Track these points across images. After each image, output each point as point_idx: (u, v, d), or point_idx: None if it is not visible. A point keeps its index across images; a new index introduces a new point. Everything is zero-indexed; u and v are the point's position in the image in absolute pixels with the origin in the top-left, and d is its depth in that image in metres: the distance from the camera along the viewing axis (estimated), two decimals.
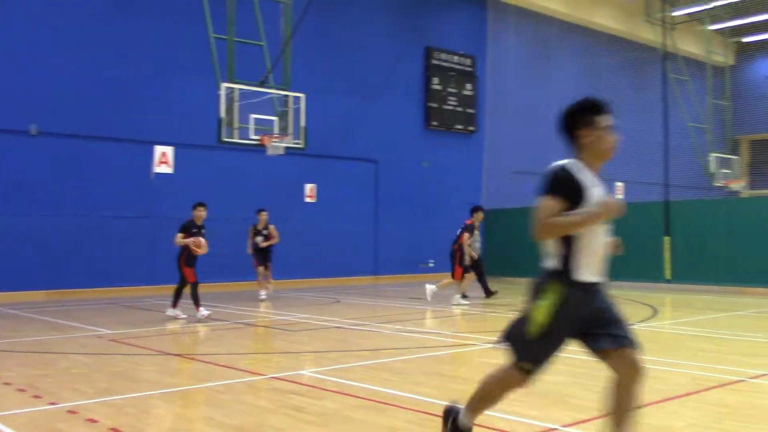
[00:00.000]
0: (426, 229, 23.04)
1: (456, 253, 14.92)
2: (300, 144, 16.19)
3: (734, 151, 31.55)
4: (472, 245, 15.25)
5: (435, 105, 23.40)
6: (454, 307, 14.53)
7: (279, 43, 16.87)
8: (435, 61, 23.44)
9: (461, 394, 6.43)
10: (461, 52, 24.17)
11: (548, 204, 3.81)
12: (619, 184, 28.02)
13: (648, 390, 6.69)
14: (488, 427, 5.39)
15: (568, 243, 3.90)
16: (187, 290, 12.23)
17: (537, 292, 4.00)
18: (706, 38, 29.24)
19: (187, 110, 18.23)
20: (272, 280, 16.65)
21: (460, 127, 23.94)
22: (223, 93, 15.10)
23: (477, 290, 16.41)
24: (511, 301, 15.42)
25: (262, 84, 16.13)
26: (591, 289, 4.04)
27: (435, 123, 23.37)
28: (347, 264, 21.55)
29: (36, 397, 6.42)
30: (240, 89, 15.32)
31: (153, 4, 18.26)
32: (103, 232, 17.48)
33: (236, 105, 15.19)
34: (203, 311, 12.15)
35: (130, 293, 17.28)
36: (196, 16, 16.73)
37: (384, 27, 22.60)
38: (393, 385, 6.81)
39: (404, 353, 8.80)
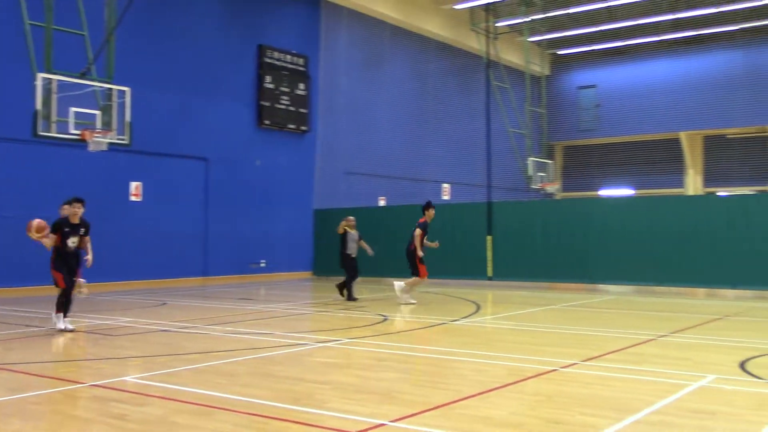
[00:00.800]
0: (258, 229, 22.79)
1: (414, 252, 14.67)
2: (124, 140, 15.48)
3: (550, 155, 33.72)
4: (349, 246, 15.33)
5: (267, 104, 23.20)
6: (402, 306, 14.42)
7: (103, 34, 16.04)
8: (268, 60, 23.24)
9: (292, 395, 6.42)
10: (294, 52, 24.13)
11: None
12: (446, 185, 29.15)
13: (469, 382, 7.01)
14: (318, 426, 5.41)
15: None
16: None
17: None
18: (525, 49, 31.03)
19: None
20: (85, 283, 15.56)
21: (292, 126, 23.89)
22: (39, 84, 14.13)
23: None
24: (343, 301, 15.58)
25: (83, 76, 15.25)
26: None
27: (267, 122, 23.17)
28: (175, 265, 20.86)
29: None
30: (59, 80, 14.40)
31: None
32: None
33: (54, 97, 14.26)
34: (63, 323, 10.67)
35: None
36: (10, 1, 15.56)
37: (216, 22, 22.11)
38: (222, 388, 6.67)
39: (234, 355, 8.65)
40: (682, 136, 31.32)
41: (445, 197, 29.15)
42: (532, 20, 29.64)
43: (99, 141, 14.85)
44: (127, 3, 15.62)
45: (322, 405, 6.06)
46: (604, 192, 33.68)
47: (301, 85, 24.27)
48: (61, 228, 10.69)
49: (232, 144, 22.35)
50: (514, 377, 7.17)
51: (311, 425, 5.43)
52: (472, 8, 29.11)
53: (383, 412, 5.80)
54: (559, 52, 34.11)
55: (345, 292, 15.56)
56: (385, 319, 12.19)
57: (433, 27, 28.91)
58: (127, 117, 15.45)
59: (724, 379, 7.11)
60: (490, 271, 20.49)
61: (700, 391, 6.59)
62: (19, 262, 16.46)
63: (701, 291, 17.70)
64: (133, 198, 19.77)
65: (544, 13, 28.96)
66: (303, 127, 24.21)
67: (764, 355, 8.52)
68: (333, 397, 6.39)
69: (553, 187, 31.66)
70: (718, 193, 27.94)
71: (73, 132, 14.63)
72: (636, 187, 32.90)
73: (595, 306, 14.76)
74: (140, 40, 19.61)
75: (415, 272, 14.75)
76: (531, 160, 29.99)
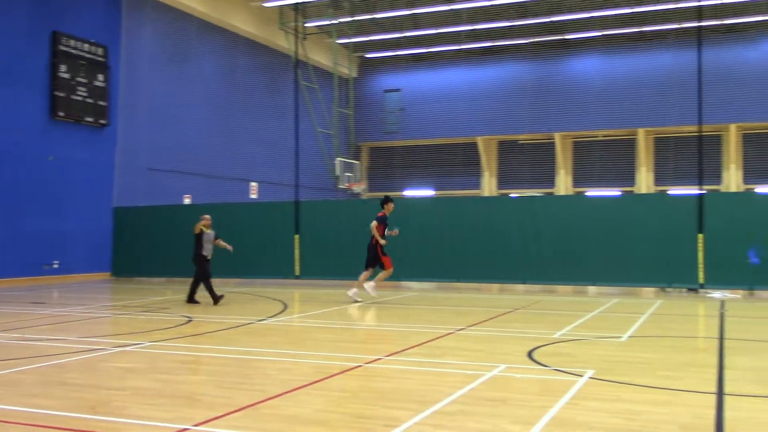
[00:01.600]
0: (52, 227, 21.27)
1: (376, 246, 14.71)
2: None
3: (356, 156, 34.41)
4: (204, 247, 14.56)
5: (62, 94, 21.72)
6: (352, 302, 14.55)
7: None
8: (63, 48, 21.76)
9: (87, 403, 6.07)
10: (93, 41, 22.78)
11: None
12: (254, 184, 28.85)
13: (275, 381, 6.99)
14: None
15: None
16: None
17: None
18: (333, 51, 31.43)
19: None
20: None
21: (90, 119, 22.55)
22: None
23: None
24: (145, 303, 14.95)
25: None
26: None
27: (62, 114, 21.69)
28: None
29: None
30: None
31: None
32: None
33: None
34: None
35: None
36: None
37: (4, 4, 20.36)
38: (4, 400, 6.17)
39: (21, 364, 8.03)
40: (479, 140, 33.18)
41: (253, 196, 28.86)
42: (340, 23, 30.09)
43: None
44: None
45: (120, 412, 5.79)
46: (407, 192, 34.90)
47: (100, 77, 22.97)
48: None
49: (22, 137, 20.69)
50: (320, 375, 7.24)
51: None
52: (281, 7, 29.05)
53: (186, 416, 5.64)
54: (367, 56, 34.91)
55: (194, 296, 14.59)
56: (189, 321, 11.86)
57: (241, 23, 28.51)
58: None
59: (514, 368, 7.63)
60: (297, 270, 20.55)
61: (493, 380, 7.02)
62: None
63: (495, 286, 18.85)
64: None
65: (352, 17, 29.51)
66: (102, 121, 22.93)
67: (549, 344, 9.23)
68: (132, 403, 6.11)
69: (360, 187, 32.35)
70: (510, 195, 29.91)
71: None
72: (437, 188, 34.41)
73: (399, 302, 15.26)
74: None
75: (381, 265, 14.85)
76: (338, 160, 30.43)
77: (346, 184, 30.86)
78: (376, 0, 29.08)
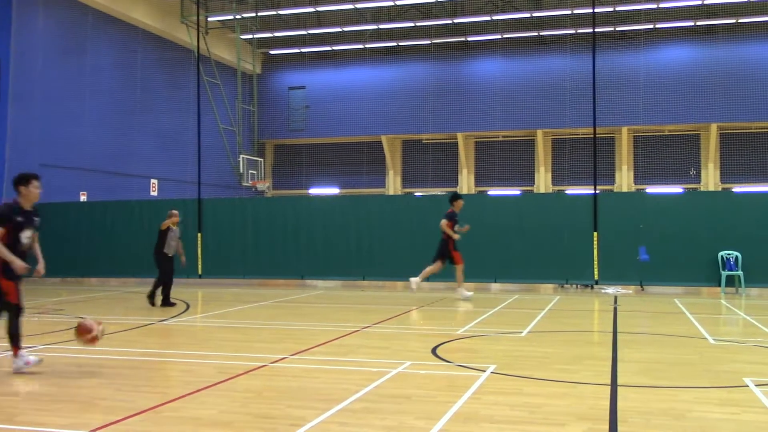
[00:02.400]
0: None
1: (448, 242, 14.87)
2: None
3: (261, 153, 34.03)
4: (168, 244, 13.78)
5: None
6: (461, 301, 14.53)
7: None
8: None
9: None
10: None
11: None
12: (154, 181, 28.10)
13: (177, 383, 6.84)
14: None
15: None
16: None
17: None
18: (237, 46, 30.96)
19: None
20: None
21: None
22: None
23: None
24: (37, 304, 14.32)
25: None
26: None
27: None
28: None
29: None
30: None
31: None
32: None
33: None
34: (27, 357, 7.35)
35: None
36: None
37: None
38: None
39: None
40: (383, 139, 33.42)
41: (154, 193, 28.09)
42: (243, 18, 29.68)
43: None
44: None
45: (12, 419, 5.53)
46: (313, 190, 34.79)
47: None
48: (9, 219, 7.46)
49: None
50: (224, 375, 7.13)
51: None
52: (182, 0, 28.38)
53: (83, 421, 5.44)
54: (271, 52, 34.56)
55: (155, 297, 13.77)
56: None
57: (140, 15, 27.68)
58: None
59: (419, 364, 7.73)
60: (200, 269, 20.15)
61: (398, 377, 7.09)
62: None
63: (400, 284, 19.03)
64: None
65: (255, 12, 29.16)
66: None
67: (452, 340, 9.40)
68: (25, 409, 5.86)
69: (264, 185, 32.01)
70: (415, 194, 30.27)
71: None
72: (342, 187, 34.45)
73: (304, 301, 15.20)
74: None
75: (452, 261, 14.98)
76: (242, 157, 30.02)
77: (250, 182, 30.47)
78: None
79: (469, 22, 30.07)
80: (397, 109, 32.77)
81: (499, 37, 30.76)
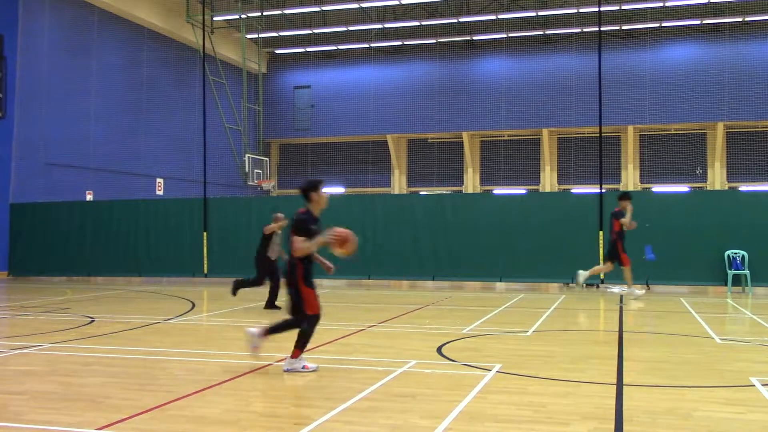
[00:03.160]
0: None
1: (616, 243, 14.84)
2: None
3: (266, 153, 34.06)
4: (272, 248, 13.31)
5: None
6: (632, 300, 14.66)
7: None
8: None
9: None
10: None
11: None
12: (160, 180, 28.16)
13: (182, 382, 6.85)
14: None
15: None
16: None
17: None
18: (242, 46, 30.99)
19: None
20: None
21: None
22: None
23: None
24: (44, 303, 14.36)
25: None
26: None
27: None
28: None
29: None
30: None
31: None
32: None
33: None
34: (305, 362, 7.40)
35: None
36: None
37: None
38: None
39: None
40: (389, 138, 33.42)
41: (159, 192, 28.15)
42: (249, 17, 29.71)
43: None
44: None
45: (18, 418, 5.55)
46: None
47: None
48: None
49: None
50: (229, 374, 7.14)
51: None
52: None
53: (89, 419, 5.46)
54: (276, 51, 34.59)
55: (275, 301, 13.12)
56: (92, 321, 11.47)
57: (146, 15, 27.74)
58: None
59: (424, 363, 7.73)
60: (205, 268, 20.19)
61: (404, 375, 7.09)
62: None
63: (405, 283, 19.04)
64: None
65: (261, 12, 29.18)
66: None
67: (458, 339, 9.40)
68: (32, 408, 5.87)
69: (269, 184, 32.05)
70: (420, 193, 30.27)
71: None
72: (347, 186, 34.47)
73: None
74: None
75: (620, 262, 14.91)
76: (248, 156, 30.05)
77: (256, 181, 30.51)
78: None
79: (475, 21, 30.05)
80: (402, 108, 32.78)
81: (504, 36, 30.73)
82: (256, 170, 30.40)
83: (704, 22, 28.58)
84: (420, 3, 28.58)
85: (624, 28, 29.40)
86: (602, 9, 20.67)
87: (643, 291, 15.51)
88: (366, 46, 32.90)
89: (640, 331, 10.48)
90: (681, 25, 29.12)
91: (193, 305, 14.00)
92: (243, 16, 29.39)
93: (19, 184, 22.34)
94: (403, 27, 31.09)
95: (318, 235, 7.23)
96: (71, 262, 20.98)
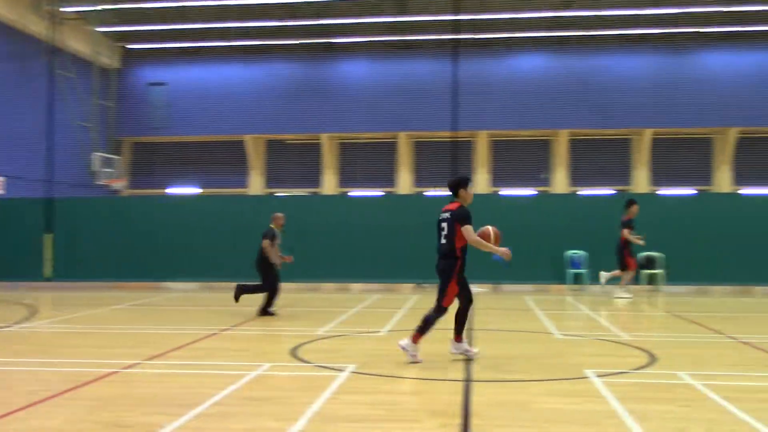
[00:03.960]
0: None
1: (624, 248, 15.05)
2: None
3: (117, 151, 32.68)
4: (273, 252, 12.39)
5: None
6: (618, 300, 15.10)
7: None
8: None
9: None
10: None
11: None
12: (1, 178, 26.39)
13: (19, 393, 6.47)
14: None
15: None
16: None
17: None
18: (93, 39, 29.59)
19: None
20: None
21: None
22: None
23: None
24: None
25: None
26: None
27: None
28: None
29: None
30: None
31: None
32: None
33: None
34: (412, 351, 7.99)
35: None
36: None
37: None
38: None
39: None
40: (247, 138, 32.95)
41: (1, 192, 26.35)
42: (102, 9, 28.41)
43: None
44: None
45: None
46: (172, 190, 33.80)
47: None
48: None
49: None
50: (71, 383, 6.81)
51: None
52: None
53: None
54: (130, 46, 33.25)
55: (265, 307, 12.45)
56: None
57: None
58: None
59: (278, 366, 7.70)
60: (48, 272, 19.12)
61: (257, 379, 7.03)
62: None
63: None
64: None
65: (114, 4, 27.99)
66: None
67: (312, 341, 9.43)
68: None
69: (120, 184, 30.80)
70: (277, 194, 30.05)
71: None
72: (203, 186, 33.67)
73: (161, 304, 14.75)
74: None
75: (625, 266, 15.16)
76: (97, 155, 28.74)
77: (106, 181, 29.19)
78: None
79: (335, 24, 30.22)
80: (261, 108, 32.43)
81: (364, 39, 31.10)
82: (105, 169, 29.11)
83: (552, 34, 30.17)
84: (281, 3, 28.40)
85: (479, 36, 30.52)
86: (458, 18, 21.41)
87: (632, 296, 15.53)
88: (226, 44, 32.31)
89: (488, 328, 10.92)
90: (531, 36, 30.59)
91: (33, 311, 13.22)
92: (95, 8, 28.07)
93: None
94: (264, 27, 30.78)
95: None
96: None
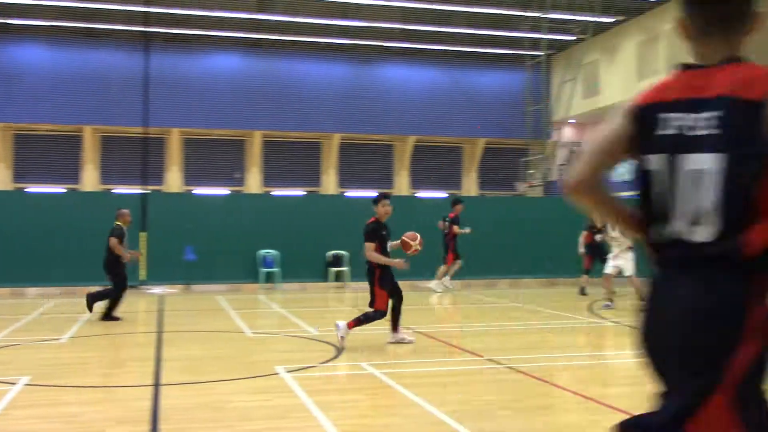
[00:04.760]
0: None
1: (452, 241, 16.38)
2: None
3: None
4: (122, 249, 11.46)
5: None
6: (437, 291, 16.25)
7: None
8: None
9: None
10: None
11: None
12: None
13: None
14: None
15: None
16: None
17: None
18: None
19: None
20: None
21: None
22: None
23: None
24: None
25: None
26: None
27: None
28: None
29: None
30: None
31: None
32: None
33: None
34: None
35: None
36: None
37: None
38: None
39: None
40: None
41: None
42: None
43: None
44: None
45: None
46: None
47: None
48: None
49: None
50: None
51: None
52: None
53: None
54: None
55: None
56: None
57: None
58: None
59: None
60: None
61: None
62: None
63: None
64: None
65: None
66: None
67: None
68: None
69: None
70: (26, 189, 26.52)
71: None
72: None
73: None
74: None
75: (446, 259, 16.68)
76: None
77: None
78: None
79: (11, 3, 27.43)
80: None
81: (45, 23, 28.63)
82: None
83: (247, 36, 30.38)
84: None
85: (172, 31, 29.69)
86: (149, 10, 20.65)
87: (440, 292, 16.59)
88: None
89: (178, 330, 10.70)
90: (225, 36, 30.50)
91: None
92: None
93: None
94: None
95: (387, 239, 8.82)
96: None
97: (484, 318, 12.70)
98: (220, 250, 17.54)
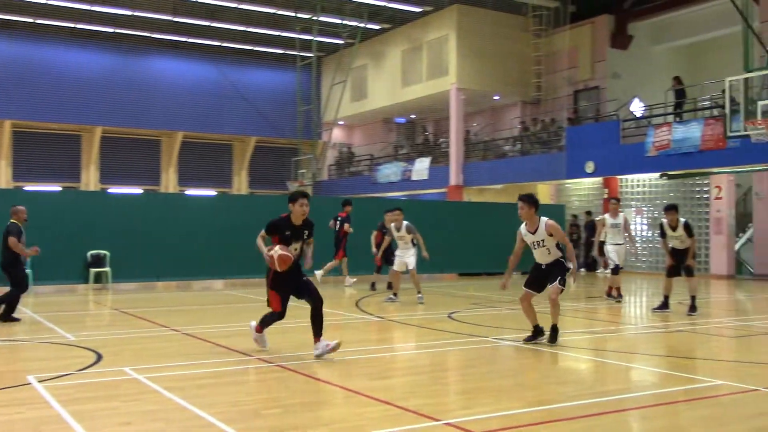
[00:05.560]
0: None
1: (343, 238, 17.51)
2: None
3: None
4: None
5: None
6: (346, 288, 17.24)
7: None
8: None
9: None
10: None
11: None
12: None
13: None
14: None
15: None
16: None
17: None
18: None
19: None
20: None
21: None
22: None
23: None
24: None
25: None
26: None
27: None
28: None
29: None
30: None
31: None
32: None
33: None
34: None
35: None
36: None
37: None
38: None
39: None
40: None
41: None
42: None
43: None
44: None
45: None
46: None
47: None
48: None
49: None
50: None
51: None
52: None
53: None
54: None
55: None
56: None
57: None
58: None
59: None
60: None
61: None
62: None
63: None
64: None
65: None
66: None
67: None
68: None
69: None
70: None
71: None
72: None
73: None
74: None
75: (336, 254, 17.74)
76: None
77: None
78: None
79: None
80: None
81: None
82: None
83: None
84: None
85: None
86: None
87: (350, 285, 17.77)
88: None
89: None
90: None
91: None
92: None
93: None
94: None
95: (292, 240, 8.08)
96: None
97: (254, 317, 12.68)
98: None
